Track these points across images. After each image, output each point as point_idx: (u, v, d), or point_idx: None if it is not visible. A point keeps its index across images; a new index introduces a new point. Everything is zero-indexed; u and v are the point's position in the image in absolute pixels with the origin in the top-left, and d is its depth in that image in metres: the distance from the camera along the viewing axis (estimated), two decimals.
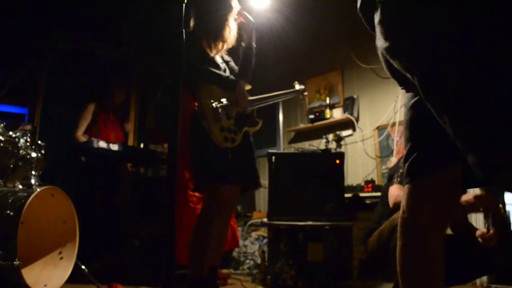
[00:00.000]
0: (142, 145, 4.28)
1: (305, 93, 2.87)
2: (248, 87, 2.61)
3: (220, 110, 2.37)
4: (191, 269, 2.35)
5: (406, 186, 1.24)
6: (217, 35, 2.49)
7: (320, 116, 4.84)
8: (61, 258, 2.68)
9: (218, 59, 2.57)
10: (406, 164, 1.24)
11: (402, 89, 1.27)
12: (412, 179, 1.23)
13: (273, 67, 5.23)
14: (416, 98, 1.24)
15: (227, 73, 2.57)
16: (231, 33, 2.54)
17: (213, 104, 2.36)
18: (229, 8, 2.52)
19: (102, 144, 3.67)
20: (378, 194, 3.66)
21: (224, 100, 2.42)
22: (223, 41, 2.52)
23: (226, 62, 2.66)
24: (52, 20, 4.56)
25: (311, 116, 4.91)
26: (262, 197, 5.31)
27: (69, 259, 2.71)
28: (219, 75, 2.44)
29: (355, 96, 4.64)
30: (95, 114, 4.11)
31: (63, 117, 4.55)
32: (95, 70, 5.08)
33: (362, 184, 4.11)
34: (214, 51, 2.53)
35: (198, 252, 2.34)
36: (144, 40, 5.01)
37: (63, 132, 4.25)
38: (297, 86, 2.83)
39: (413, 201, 1.22)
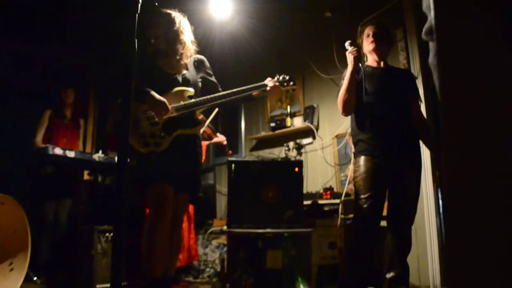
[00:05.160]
0: (100, 152, 4.19)
1: (291, 83, 2.98)
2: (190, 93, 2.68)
3: (140, 118, 2.53)
4: (145, 271, 2.44)
5: None
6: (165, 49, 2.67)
7: (281, 124, 4.90)
8: (12, 269, 2.59)
9: (165, 68, 2.68)
10: None
11: None
12: None
13: (233, 74, 5.24)
14: None
15: (178, 81, 2.67)
16: (180, 49, 2.68)
17: None
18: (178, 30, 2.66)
19: (58, 151, 3.58)
20: (337, 201, 3.72)
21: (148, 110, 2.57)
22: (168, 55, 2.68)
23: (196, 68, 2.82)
24: (4, 20, 4.41)
25: (272, 124, 4.96)
26: (223, 204, 5.30)
27: (20, 270, 2.62)
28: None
29: (315, 105, 4.72)
30: (50, 120, 4.04)
31: (16, 124, 4.40)
32: (49, 75, 4.94)
33: (321, 191, 4.16)
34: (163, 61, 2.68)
35: (148, 253, 2.43)
36: (99, 46, 4.91)
37: (16, 139, 4.12)
38: (278, 77, 3.01)
39: None
